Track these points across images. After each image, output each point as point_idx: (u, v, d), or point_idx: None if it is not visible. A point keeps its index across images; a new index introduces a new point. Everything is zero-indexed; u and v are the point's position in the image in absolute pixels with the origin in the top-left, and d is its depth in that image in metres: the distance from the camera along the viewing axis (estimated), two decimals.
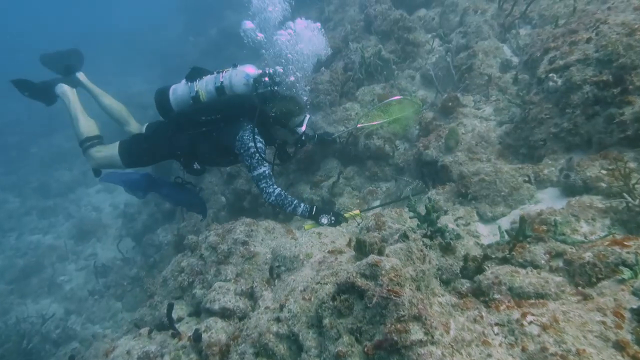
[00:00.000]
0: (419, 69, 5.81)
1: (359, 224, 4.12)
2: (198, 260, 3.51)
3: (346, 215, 3.97)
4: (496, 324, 1.89)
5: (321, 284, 2.39)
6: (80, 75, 5.02)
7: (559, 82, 3.20)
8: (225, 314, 2.92)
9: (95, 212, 12.32)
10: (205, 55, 15.70)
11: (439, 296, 2.03)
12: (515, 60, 4.75)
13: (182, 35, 20.47)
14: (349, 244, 3.18)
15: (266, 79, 3.99)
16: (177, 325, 3.27)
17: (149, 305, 3.67)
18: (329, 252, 3.04)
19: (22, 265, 10.03)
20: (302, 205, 3.88)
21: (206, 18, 17.86)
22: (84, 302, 8.47)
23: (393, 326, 1.80)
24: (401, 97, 5.00)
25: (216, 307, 2.94)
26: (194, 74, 4.29)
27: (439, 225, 2.61)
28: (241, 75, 4.07)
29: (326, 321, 2.11)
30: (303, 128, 4.09)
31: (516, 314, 1.87)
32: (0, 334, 7.55)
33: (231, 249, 3.37)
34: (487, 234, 3.21)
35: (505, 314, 1.91)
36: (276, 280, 3.14)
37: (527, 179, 3.23)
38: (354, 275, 2.09)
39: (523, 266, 2.31)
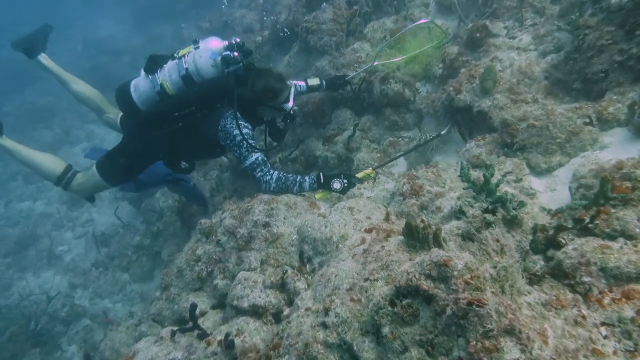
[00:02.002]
0: None
1: (374, 181, 3.80)
2: (215, 247, 3.20)
3: (358, 175, 3.66)
4: (603, 324, 1.58)
5: (371, 281, 2.07)
6: (44, 59, 4.43)
7: None
8: (256, 311, 2.64)
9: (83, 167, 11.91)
10: None
11: (525, 294, 1.71)
12: None
13: None
14: (386, 219, 2.85)
15: (235, 53, 3.48)
16: (201, 320, 3.04)
17: (166, 299, 3.41)
18: (365, 230, 2.72)
19: (16, 235, 9.74)
20: (306, 178, 3.54)
21: None
22: (88, 273, 8.34)
23: (480, 344, 1.50)
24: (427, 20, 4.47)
25: (245, 304, 2.66)
26: (153, 65, 3.75)
27: (499, 194, 2.24)
28: (206, 55, 3.56)
29: (386, 330, 1.81)
30: (290, 103, 3.68)
31: (629, 311, 1.55)
32: (4, 316, 7.45)
33: (252, 232, 3.05)
34: (544, 189, 2.86)
35: (613, 310, 1.60)
36: (307, 265, 2.85)
37: (587, 120, 2.83)
38: (416, 277, 1.76)
39: (612, 238, 1.97)
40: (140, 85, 3.75)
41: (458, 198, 2.66)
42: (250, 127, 3.63)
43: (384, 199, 3.53)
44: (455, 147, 3.71)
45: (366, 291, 2.05)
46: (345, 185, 3.51)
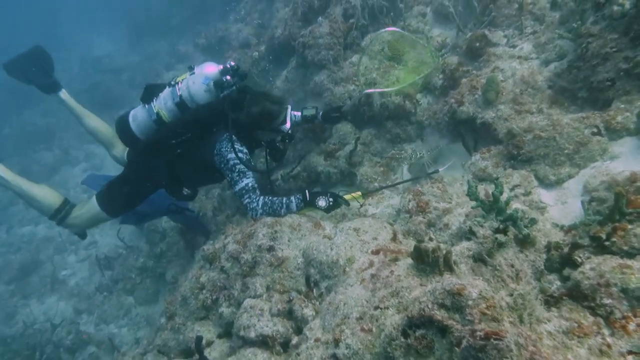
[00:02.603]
0: (429, 3, 5.17)
1: (361, 206, 3.75)
2: (219, 274, 3.14)
3: (346, 197, 3.62)
4: (630, 353, 1.51)
5: (381, 309, 2.01)
6: (63, 94, 4.49)
7: (627, 4, 2.66)
8: (264, 341, 2.57)
9: (86, 194, 11.82)
10: (173, 5, 14.65)
11: (545, 322, 1.65)
12: None
13: None
14: (394, 239, 2.80)
15: (228, 77, 3.48)
16: (207, 351, 2.97)
17: (171, 328, 3.34)
18: (372, 252, 2.66)
19: (18, 262, 9.68)
20: (292, 199, 3.50)
21: None
22: (93, 298, 8.27)
23: None
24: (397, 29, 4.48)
25: (252, 334, 2.59)
26: (149, 94, 3.79)
27: (509, 212, 2.19)
28: (199, 81, 3.56)
29: None
30: (288, 125, 3.70)
31: None
32: (9, 348, 7.38)
33: (256, 257, 2.99)
34: (554, 202, 2.80)
35: (639, 337, 1.53)
36: (314, 290, 2.79)
37: (595, 130, 2.78)
38: (429, 306, 1.70)
39: (631, 256, 1.91)
40: (138, 115, 3.79)
41: (467, 216, 2.60)
42: (246, 151, 3.62)
43: (389, 216, 3.48)
44: (459, 159, 3.65)
45: (377, 320, 1.99)
46: (331, 203, 3.46)
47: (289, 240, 3.09)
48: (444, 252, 2.04)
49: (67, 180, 12.63)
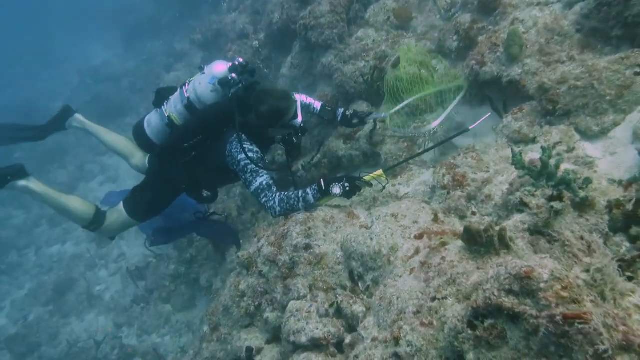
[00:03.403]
0: None
1: (384, 187, 3.57)
2: (258, 279, 3.07)
3: (367, 178, 3.36)
4: None
5: (439, 300, 1.90)
6: (79, 117, 4.53)
7: None
8: (316, 344, 2.49)
9: (106, 207, 11.95)
10: (161, 3, 14.54)
11: (630, 295, 1.51)
12: None
13: None
14: (435, 219, 2.67)
15: (233, 75, 3.41)
16: (258, 358, 2.92)
17: (217, 339, 3.30)
18: (415, 237, 2.54)
19: (52, 282, 9.86)
20: (308, 190, 3.35)
21: None
22: (130, 310, 8.38)
23: None
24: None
25: (303, 339, 2.52)
26: (160, 98, 3.82)
27: (560, 175, 2.03)
28: (205, 81, 3.53)
29: (471, 357, 1.63)
30: (299, 118, 3.54)
31: None
32: None
33: (293, 257, 2.91)
34: (602, 154, 2.63)
35: None
36: (360, 284, 2.69)
37: (638, 69, 2.58)
38: (495, 294, 1.58)
39: None
40: (152, 120, 3.83)
41: (510, 185, 2.46)
42: (257, 149, 3.51)
43: (424, 194, 3.35)
44: (489, 123, 3.48)
45: (436, 312, 1.88)
46: (347, 188, 3.27)
47: (324, 235, 2.99)
48: (498, 230, 1.91)
49: (86, 195, 12.68)
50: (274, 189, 3.43)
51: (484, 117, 3.27)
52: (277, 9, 6.34)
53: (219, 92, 3.53)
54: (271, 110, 3.40)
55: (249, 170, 3.40)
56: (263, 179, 3.40)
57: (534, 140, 2.91)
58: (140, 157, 4.38)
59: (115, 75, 15.65)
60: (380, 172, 3.49)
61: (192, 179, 3.85)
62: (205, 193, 3.95)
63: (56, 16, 27.14)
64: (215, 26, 10.08)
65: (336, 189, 3.27)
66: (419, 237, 2.52)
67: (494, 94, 3.39)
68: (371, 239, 2.67)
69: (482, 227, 1.93)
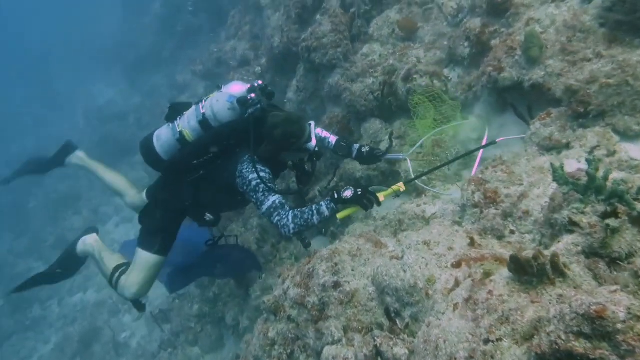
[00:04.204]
0: None
1: (398, 195, 3.42)
2: (288, 325, 2.90)
3: (384, 193, 3.27)
4: None
5: (493, 342, 1.71)
6: (80, 154, 4.63)
7: None
8: None
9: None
10: (159, 37, 14.72)
11: None
12: None
13: (124, 23, 19.37)
14: (472, 244, 2.49)
15: (252, 95, 3.36)
16: None
17: None
18: (453, 266, 2.37)
19: (77, 333, 9.82)
20: (322, 203, 3.30)
21: None
22: (159, 356, 8.23)
23: None
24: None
25: None
26: (173, 113, 3.75)
27: (610, 187, 1.85)
28: (223, 99, 3.47)
29: None
30: (313, 142, 3.51)
31: None
32: None
33: (323, 298, 2.74)
34: None
35: None
36: (398, 321, 2.51)
37: None
38: (562, 338, 1.40)
39: None
40: (162, 134, 3.74)
41: (552, 199, 2.28)
42: (268, 171, 3.48)
43: (453, 214, 3.17)
44: (514, 130, 3.31)
45: (492, 358, 1.69)
46: (359, 192, 3.21)
47: (352, 270, 2.83)
48: (549, 256, 1.74)
49: (103, 238, 12.65)
50: (287, 207, 3.37)
51: (517, 136, 3.18)
52: (276, 33, 6.28)
53: (236, 110, 3.47)
54: (285, 133, 3.38)
55: (261, 190, 3.35)
56: (275, 197, 3.36)
57: (567, 146, 2.73)
58: (134, 195, 4.46)
59: (120, 113, 15.83)
60: (399, 185, 3.36)
61: (196, 199, 3.76)
62: (207, 216, 3.85)
63: (57, 58, 27.71)
64: (215, 55, 10.10)
65: (347, 192, 3.24)
66: (457, 265, 2.35)
67: (516, 100, 3.23)
68: (404, 271, 2.50)
69: (530, 255, 1.75)
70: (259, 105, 3.37)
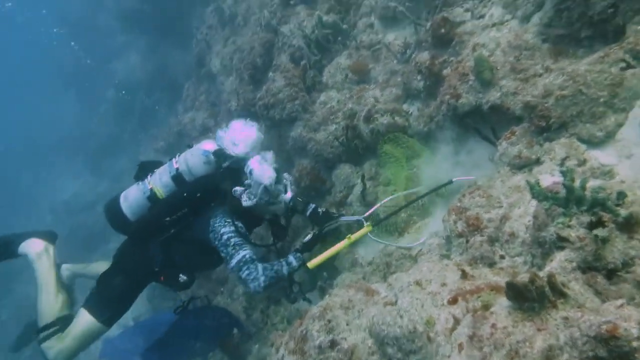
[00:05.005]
0: (370, 12, 4.98)
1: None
2: None
3: (352, 237, 3.46)
4: None
5: None
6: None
7: None
8: None
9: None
10: (117, 121, 14.75)
11: None
12: None
13: (80, 113, 19.37)
14: (464, 276, 2.41)
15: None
16: None
17: None
18: (449, 302, 2.28)
19: None
20: (290, 257, 3.53)
21: (94, 81, 16.73)
22: None
23: None
24: None
25: None
26: (143, 171, 3.69)
27: (590, 196, 1.83)
28: (198, 153, 3.48)
29: None
30: (289, 194, 3.58)
31: None
32: None
33: None
34: (617, 159, 2.46)
35: None
36: None
37: (623, 64, 2.48)
38: None
39: None
40: (130, 194, 3.61)
41: (534, 217, 2.25)
42: (242, 225, 3.50)
43: (440, 247, 3.11)
44: (482, 153, 3.33)
45: None
46: (316, 231, 3.58)
47: (347, 324, 2.70)
48: (546, 277, 1.68)
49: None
50: (256, 262, 3.38)
51: (469, 177, 3.24)
52: (232, 97, 6.34)
53: (212, 164, 3.47)
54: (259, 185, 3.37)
55: (232, 244, 3.36)
56: (246, 252, 3.36)
57: (538, 161, 2.75)
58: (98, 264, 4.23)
59: (88, 203, 15.37)
60: (368, 228, 3.54)
61: (168, 260, 3.61)
62: (181, 277, 3.67)
63: (16, 157, 27.21)
64: (175, 129, 10.09)
65: (307, 237, 3.56)
66: (453, 301, 2.26)
67: (478, 123, 3.27)
68: (401, 317, 2.39)
69: (527, 279, 1.69)
70: (234, 158, 3.38)
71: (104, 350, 4.26)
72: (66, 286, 3.93)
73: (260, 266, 3.34)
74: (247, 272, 3.31)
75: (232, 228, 3.37)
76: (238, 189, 3.39)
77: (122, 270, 3.67)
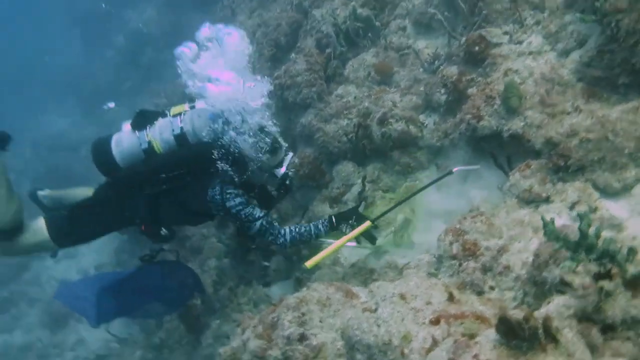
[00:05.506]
0: (406, 15, 4.90)
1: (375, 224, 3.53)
2: None
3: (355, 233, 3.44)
4: None
5: None
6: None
7: None
8: None
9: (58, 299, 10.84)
10: (121, 69, 14.38)
11: None
12: None
13: (83, 54, 18.71)
14: (450, 299, 2.35)
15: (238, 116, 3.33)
16: None
17: None
18: (431, 322, 2.22)
19: None
20: (319, 224, 3.58)
21: (104, 25, 16.37)
22: None
23: None
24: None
25: None
26: (142, 120, 3.52)
27: (602, 246, 1.77)
28: (205, 115, 3.38)
29: None
30: (282, 169, 3.59)
31: None
32: None
33: (286, 352, 2.54)
34: (629, 214, 2.43)
35: None
36: None
37: None
38: None
39: None
40: (124, 140, 3.47)
41: (536, 255, 2.20)
42: (242, 193, 3.49)
43: (429, 265, 3.05)
44: (491, 180, 3.27)
45: None
46: (355, 224, 3.50)
47: (321, 322, 2.65)
48: (542, 319, 1.62)
49: (39, 275, 11.40)
50: (276, 224, 3.57)
51: (473, 167, 3.38)
52: None
53: (218, 131, 3.37)
54: (256, 143, 3.35)
55: (244, 215, 3.40)
56: (261, 219, 3.44)
57: (547, 200, 2.70)
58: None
59: (72, 144, 14.90)
60: (367, 224, 3.44)
61: (153, 213, 3.57)
62: (162, 231, 3.66)
63: (6, 88, 26.44)
64: (181, 88, 9.88)
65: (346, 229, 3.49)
66: (435, 322, 2.20)
67: (494, 149, 3.21)
68: (378, 326, 2.33)
69: (521, 317, 1.63)
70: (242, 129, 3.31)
71: (59, 292, 4.15)
72: (16, 194, 3.71)
73: (287, 231, 3.52)
74: (271, 237, 3.50)
75: (239, 199, 3.39)
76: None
77: (100, 208, 3.61)
